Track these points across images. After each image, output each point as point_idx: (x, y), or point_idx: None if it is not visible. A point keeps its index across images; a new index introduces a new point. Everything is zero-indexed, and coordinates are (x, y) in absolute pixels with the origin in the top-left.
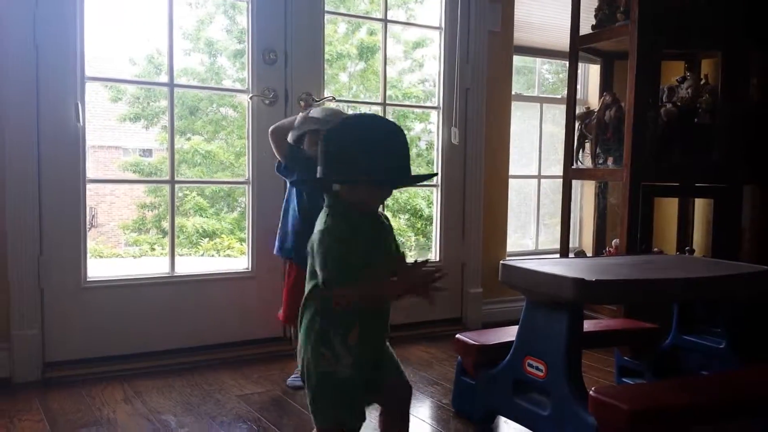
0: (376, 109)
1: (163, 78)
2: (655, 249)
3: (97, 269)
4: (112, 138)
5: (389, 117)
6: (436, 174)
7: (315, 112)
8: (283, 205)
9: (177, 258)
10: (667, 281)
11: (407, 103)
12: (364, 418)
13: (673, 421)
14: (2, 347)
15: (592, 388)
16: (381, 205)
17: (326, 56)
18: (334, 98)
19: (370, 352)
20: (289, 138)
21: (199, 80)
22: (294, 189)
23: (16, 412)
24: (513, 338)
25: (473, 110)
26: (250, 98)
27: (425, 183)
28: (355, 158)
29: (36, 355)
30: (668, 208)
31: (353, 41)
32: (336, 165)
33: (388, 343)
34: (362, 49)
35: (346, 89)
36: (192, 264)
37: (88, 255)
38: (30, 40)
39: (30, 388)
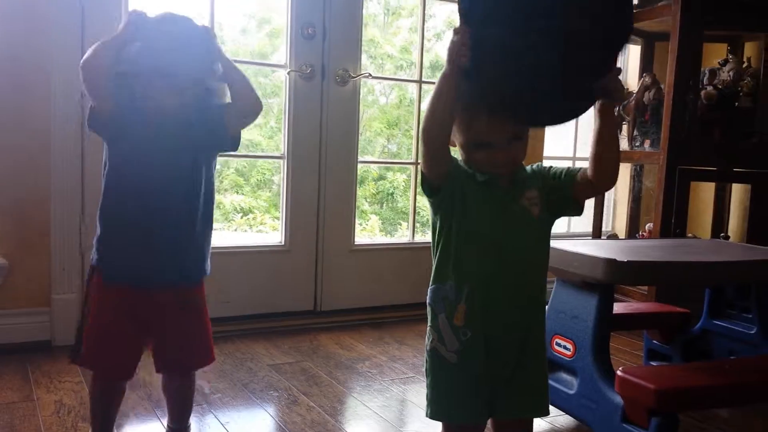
0: (413, 88)
1: None
2: (690, 234)
3: None
4: None
5: (424, 95)
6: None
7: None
8: None
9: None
10: (699, 264)
11: None
12: (476, 420)
13: (698, 402)
14: (43, 311)
15: (619, 368)
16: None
17: (366, 47)
18: (370, 75)
19: (488, 344)
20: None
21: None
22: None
23: (57, 374)
24: None
25: None
26: (288, 73)
27: None
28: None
29: (76, 319)
30: (704, 193)
31: (396, 34)
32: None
33: (534, 338)
34: (403, 50)
35: (384, 70)
36: (226, 237)
37: None
38: (78, 11)
39: (70, 351)
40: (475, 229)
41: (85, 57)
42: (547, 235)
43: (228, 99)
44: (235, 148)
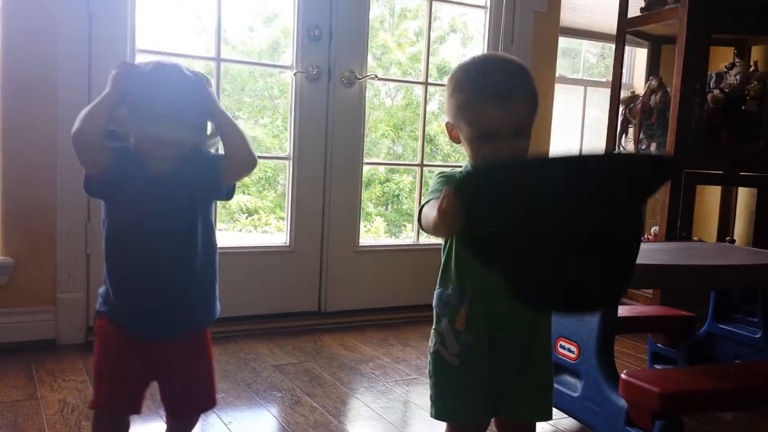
0: (418, 92)
1: (228, 54)
2: (695, 238)
3: None
4: None
5: (430, 96)
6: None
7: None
8: None
9: (217, 232)
10: (704, 268)
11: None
12: (479, 420)
13: (703, 405)
14: (48, 310)
15: (624, 371)
16: None
17: (374, 50)
18: (377, 77)
19: (491, 344)
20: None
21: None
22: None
23: (61, 372)
24: None
25: None
26: (294, 74)
27: None
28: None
29: (81, 318)
30: (710, 196)
31: (403, 35)
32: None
33: (538, 341)
34: (413, 59)
35: (390, 73)
36: (231, 238)
37: None
38: (84, 8)
39: (74, 350)
40: None
41: (75, 129)
42: None
43: (221, 149)
44: (230, 198)
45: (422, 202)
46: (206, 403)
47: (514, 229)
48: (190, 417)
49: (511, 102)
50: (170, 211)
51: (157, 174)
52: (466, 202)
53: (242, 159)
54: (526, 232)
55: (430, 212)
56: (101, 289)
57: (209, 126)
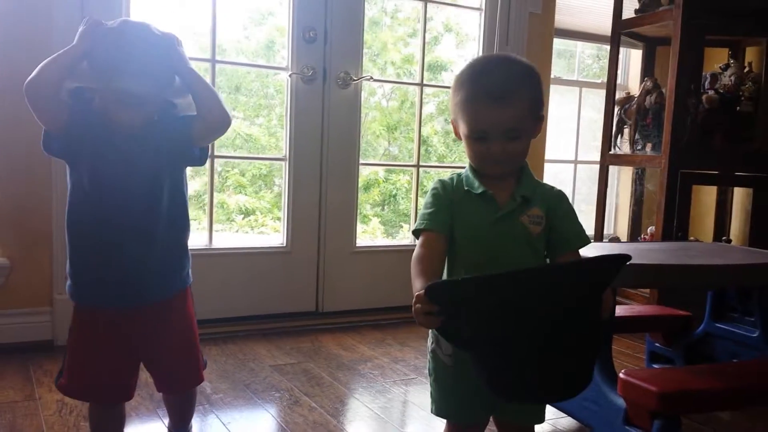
0: (414, 90)
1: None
2: (692, 238)
3: None
4: None
5: (426, 98)
6: None
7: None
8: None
9: (214, 233)
10: (701, 267)
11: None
12: (476, 420)
13: (700, 405)
14: (45, 311)
15: (622, 371)
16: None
17: (372, 50)
18: (372, 78)
19: None
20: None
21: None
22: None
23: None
24: None
25: None
26: (290, 76)
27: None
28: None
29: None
30: (705, 196)
31: (400, 39)
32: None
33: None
34: (405, 61)
35: (386, 74)
36: (228, 239)
37: None
38: (78, 9)
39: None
40: (464, 241)
41: (30, 78)
42: (543, 248)
43: (193, 110)
44: (203, 163)
45: (416, 226)
46: (187, 382)
47: (484, 332)
48: (179, 392)
49: (504, 104)
50: (132, 174)
51: (122, 136)
52: (435, 305)
53: (216, 117)
54: (496, 334)
55: (413, 266)
56: (67, 267)
57: (178, 84)
